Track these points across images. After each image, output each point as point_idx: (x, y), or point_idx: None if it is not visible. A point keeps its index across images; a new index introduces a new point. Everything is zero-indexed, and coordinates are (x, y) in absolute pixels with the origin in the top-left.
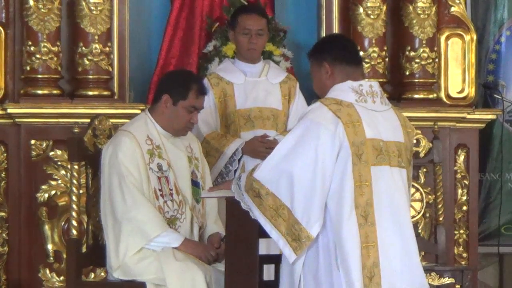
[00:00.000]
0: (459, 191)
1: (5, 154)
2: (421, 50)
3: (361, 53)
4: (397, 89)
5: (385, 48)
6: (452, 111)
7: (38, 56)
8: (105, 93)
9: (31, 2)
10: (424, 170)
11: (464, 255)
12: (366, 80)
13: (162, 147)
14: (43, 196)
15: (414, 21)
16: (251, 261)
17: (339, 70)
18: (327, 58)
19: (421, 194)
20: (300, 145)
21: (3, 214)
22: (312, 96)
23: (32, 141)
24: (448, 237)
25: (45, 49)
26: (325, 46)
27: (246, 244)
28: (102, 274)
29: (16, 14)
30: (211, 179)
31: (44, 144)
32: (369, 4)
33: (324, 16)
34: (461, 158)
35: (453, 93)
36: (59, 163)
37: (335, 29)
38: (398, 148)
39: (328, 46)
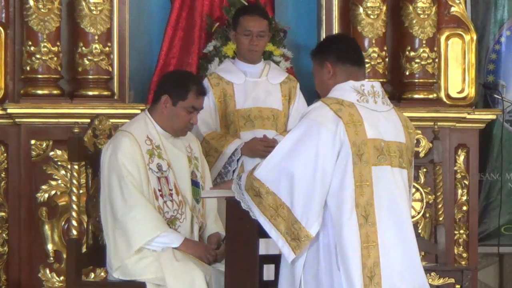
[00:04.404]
0: (459, 191)
1: (5, 154)
2: (421, 50)
3: None
4: (397, 89)
5: (385, 48)
6: (452, 111)
7: (38, 56)
8: (105, 93)
9: (31, 2)
10: (424, 170)
11: (464, 255)
12: (368, 80)
13: (161, 147)
14: (43, 196)
15: (414, 21)
16: (251, 261)
17: (341, 70)
18: (329, 57)
19: (421, 194)
20: (300, 144)
21: (3, 214)
22: (312, 96)
23: (32, 141)
24: (448, 237)
25: (45, 49)
26: (327, 46)
27: (246, 244)
28: (102, 274)
29: (16, 14)
30: (210, 179)
31: (44, 144)
32: (369, 4)
33: (324, 16)
34: (461, 158)
35: (453, 93)
36: (59, 163)
37: (335, 29)
38: (399, 148)
39: (331, 46)
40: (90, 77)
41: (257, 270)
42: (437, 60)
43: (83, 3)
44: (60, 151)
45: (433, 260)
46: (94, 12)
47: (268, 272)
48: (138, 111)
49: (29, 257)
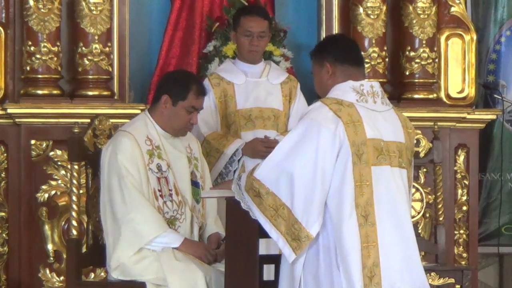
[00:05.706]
0: (459, 191)
1: (5, 154)
2: (421, 50)
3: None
4: (397, 89)
5: (385, 48)
6: (452, 111)
7: (38, 56)
8: (105, 93)
9: (31, 2)
10: (424, 170)
11: (464, 255)
12: (367, 80)
13: (161, 147)
14: (43, 196)
15: (414, 21)
16: (251, 261)
17: (340, 70)
18: (328, 58)
19: (421, 194)
20: (300, 145)
21: (3, 214)
22: (312, 96)
23: (32, 141)
24: (448, 237)
25: (45, 49)
26: (327, 46)
27: (246, 244)
28: (102, 274)
29: (16, 14)
30: (211, 179)
31: (44, 144)
32: (369, 4)
33: (324, 16)
34: (461, 158)
35: (453, 93)
36: (59, 163)
37: (335, 29)
38: (399, 148)
39: (330, 46)
40: (90, 77)
41: (257, 270)
42: (437, 60)
43: (83, 3)
44: (60, 151)
45: (433, 260)
46: (94, 12)
47: (268, 272)
48: (138, 111)
49: (29, 257)
